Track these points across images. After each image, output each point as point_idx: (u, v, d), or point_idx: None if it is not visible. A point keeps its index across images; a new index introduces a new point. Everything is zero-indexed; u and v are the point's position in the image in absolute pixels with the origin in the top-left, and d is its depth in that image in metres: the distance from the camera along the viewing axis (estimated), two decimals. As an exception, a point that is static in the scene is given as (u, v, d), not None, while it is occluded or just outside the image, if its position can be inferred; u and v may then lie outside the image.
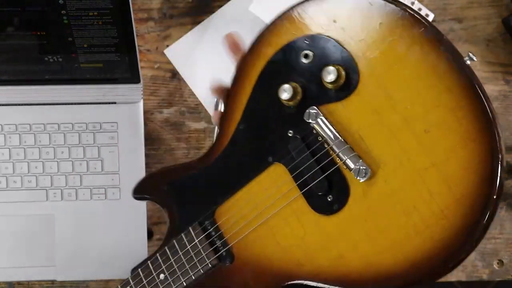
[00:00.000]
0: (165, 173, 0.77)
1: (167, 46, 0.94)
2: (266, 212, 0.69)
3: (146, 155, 0.93)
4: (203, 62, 0.94)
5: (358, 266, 0.64)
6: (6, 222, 0.91)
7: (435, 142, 0.62)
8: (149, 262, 0.73)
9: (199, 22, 0.94)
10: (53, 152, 0.91)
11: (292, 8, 0.69)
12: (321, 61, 0.67)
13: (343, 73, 0.65)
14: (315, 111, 0.67)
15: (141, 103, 0.92)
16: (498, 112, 0.95)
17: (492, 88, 0.95)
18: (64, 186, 0.91)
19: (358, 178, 0.64)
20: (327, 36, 0.67)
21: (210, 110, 0.94)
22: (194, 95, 0.94)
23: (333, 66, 0.65)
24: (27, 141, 0.91)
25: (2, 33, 0.84)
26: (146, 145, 0.93)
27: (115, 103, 0.92)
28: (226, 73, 0.94)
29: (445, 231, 0.61)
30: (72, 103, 0.92)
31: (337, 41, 0.66)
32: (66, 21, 0.83)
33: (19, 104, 0.91)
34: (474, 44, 0.95)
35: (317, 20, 0.68)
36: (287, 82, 0.68)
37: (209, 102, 0.94)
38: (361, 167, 0.64)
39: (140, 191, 0.77)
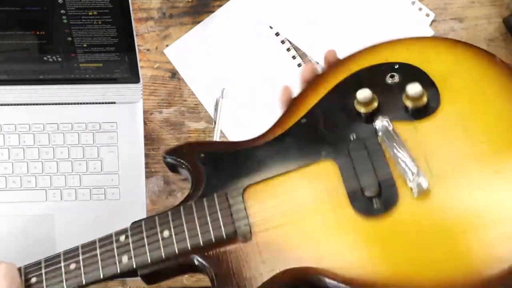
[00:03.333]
0: (203, 145, 0.76)
1: (167, 45, 0.94)
2: (304, 210, 0.67)
3: (146, 155, 0.93)
4: (203, 62, 0.94)
5: (384, 273, 0.63)
6: (6, 222, 0.91)
7: (502, 185, 0.63)
8: (156, 217, 0.69)
9: (199, 22, 0.94)
10: (52, 152, 0.91)
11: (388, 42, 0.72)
12: (406, 82, 0.67)
13: (425, 96, 0.66)
14: (386, 120, 0.67)
15: (140, 103, 0.92)
16: (498, 112, 0.95)
17: (492, 88, 0.95)
18: (63, 186, 0.91)
19: (414, 192, 0.63)
20: (416, 66, 0.69)
21: (210, 110, 0.94)
22: (194, 95, 0.94)
23: (419, 85, 0.66)
24: (26, 141, 0.91)
25: (2, 33, 0.84)
26: (146, 145, 0.93)
27: (114, 103, 0.92)
28: (225, 73, 0.95)
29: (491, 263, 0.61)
30: (71, 103, 0.91)
31: (425, 72, 0.68)
32: (66, 20, 0.83)
33: (18, 104, 0.91)
34: (475, 44, 0.95)
35: (410, 51, 0.70)
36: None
37: (209, 102, 0.94)
38: (421, 183, 0.63)
39: (174, 153, 0.73)
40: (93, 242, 0.71)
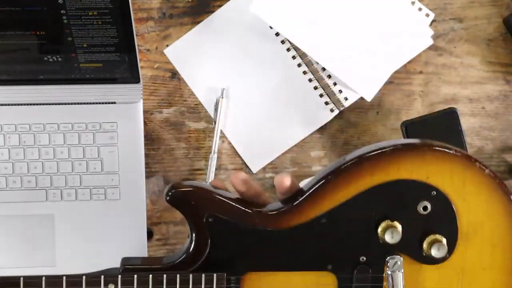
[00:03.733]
0: (214, 202, 0.69)
1: (167, 46, 0.94)
2: None
3: (146, 155, 0.93)
4: (203, 62, 0.94)
5: None
6: (6, 222, 0.91)
7: None
8: (151, 276, 0.68)
9: (199, 22, 0.94)
10: (52, 152, 0.91)
11: (443, 146, 0.69)
12: (434, 224, 0.68)
13: (446, 250, 0.68)
14: (399, 263, 0.68)
15: (140, 103, 0.92)
16: (498, 112, 0.95)
17: (492, 88, 0.95)
18: (63, 186, 0.91)
19: None
20: (453, 204, 0.69)
21: (210, 110, 0.94)
22: (194, 95, 0.94)
23: (443, 241, 0.68)
24: (26, 141, 0.91)
25: (2, 33, 0.84)
26: (146, 145, 0.93)
27: (114, 103, 0.92)
28: (225, 73, 0.95)
29: None
30: (71, 103, 0.91)
31: (456, 215, 0.69)
32: (66, 20, 0.83)
33: (18, 104, 0.91)
34: (474, 43, 0.95)
35: (453, 178, 0.69)
36: (393, 219, 0.68)
37: (209, 102, 0.94)
38: None
39: (177, 202, 0.69)
40: (79, 280, 0.68)
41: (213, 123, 0.93)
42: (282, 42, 0.94)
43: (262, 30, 0.94)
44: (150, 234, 0.94)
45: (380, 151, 0.69)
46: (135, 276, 0.68)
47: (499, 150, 0.96)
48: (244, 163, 0.94)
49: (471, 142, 0.95)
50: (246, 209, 0.69)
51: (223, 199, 0.69)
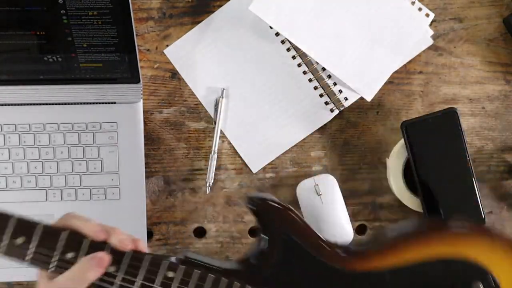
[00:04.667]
0: (295, 225, 0.71)
1: (167, 45, 0.94)
2: None
3: (146, 155, 0.93)
4: (203, 62, 0.94)
5: None
6: (6, 222, 0.91)
7: None
8: (210, 276, 0.69)
9: (199, 22, 0.94)
10: (52, 152, 0.91)
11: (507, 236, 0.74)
12: None
13: None
14: None
15: (140, 103, 0.92)
16: (498, 112, 0.95)
17: (492, 88, 0.95)
18: (63, 186, 0.91)
19: None
20: None
21: (210, 110, 0.94)
22: (194, 95, 0.94)
23: None
24: (26, 141, 0.91)
25: (2, 33, 0.84)
26: (146, 145, 0.93)
27: (114, 103, 0.92)
28: (225, 73, 0.95)
29: None
30: (71, 103, 0.91)
31: None
32: (66, 20, 0.83)
33: (18, 104, 0.91)
34: (474, 43, 0.95)
35: (505, 265, 0.72)
36: None
37: (209, 102, 0.94)
38: None
39: (260, 213, 0.71)
40: (142, 257, 0.69)
41: (213, 123, 0.93)
42: (282, 42, 0.94)
43: (262, 30, 0.94)
44: (150, 234, 0.94)
45: (460, 229, 0.73)
46: (196, 271, 0.69)
47: (499, 150, 0.96)
48: (244, 163, 0.94)
49: (471, 142, 0.95)
50: (322, 241, 0.71)
51: (305, 225, 0.71)
